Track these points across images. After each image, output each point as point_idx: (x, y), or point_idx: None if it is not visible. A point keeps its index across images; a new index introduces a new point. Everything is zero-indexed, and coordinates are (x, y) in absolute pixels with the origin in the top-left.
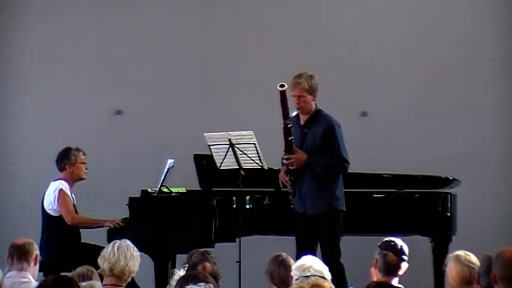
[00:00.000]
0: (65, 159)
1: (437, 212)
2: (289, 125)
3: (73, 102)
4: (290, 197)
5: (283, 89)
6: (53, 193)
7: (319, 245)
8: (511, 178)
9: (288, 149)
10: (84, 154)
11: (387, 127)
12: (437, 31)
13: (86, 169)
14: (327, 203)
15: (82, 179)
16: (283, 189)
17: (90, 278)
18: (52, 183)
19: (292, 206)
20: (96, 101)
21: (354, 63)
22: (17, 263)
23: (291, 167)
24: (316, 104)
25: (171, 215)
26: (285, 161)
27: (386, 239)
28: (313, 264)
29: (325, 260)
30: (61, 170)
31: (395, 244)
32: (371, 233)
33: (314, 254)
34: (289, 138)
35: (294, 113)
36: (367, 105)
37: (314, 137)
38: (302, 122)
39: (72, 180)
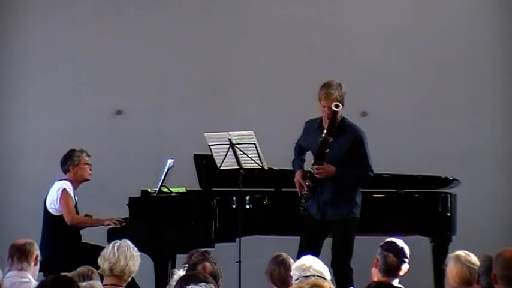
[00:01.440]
0: (69, 161)
1: (437, 212)
2: (331, 140)
3: (73, 102)
4: (303, 200)
5: (338, 109)
6: (56, 192)
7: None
8: (511, 178)
9: (319, 160)
10: (88, 155)
11: (387, 127)
12: (438, 31)
13: (91, 170)
14: (347, 209)
15: (86, 179)
16: (284, 190)
17: (91, 278)
18: (56, 182)
19: (301, 208)
20: (96, 101)
21: (354, 63)
22: (17, 262)
23: (318, 176)
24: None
25: (171, 215)
26: (313, 170)
27: (388, 239)
28: (313, 264)
29: (336, 263)
30: (65, 171)
31: (397, 245)
32: (371, 233)
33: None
34: (326, 151)
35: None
36: (367, 105)
37: (340, 146)
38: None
39: (76, 181)
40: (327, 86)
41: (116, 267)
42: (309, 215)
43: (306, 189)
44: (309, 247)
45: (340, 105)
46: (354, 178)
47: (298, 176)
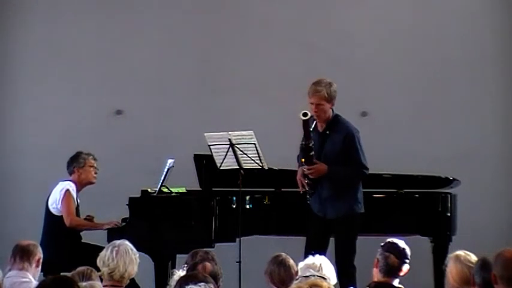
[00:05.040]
0: (74, 162)
1: (437, 212)
2: (311, 144)
3: (73, 102)
4: (308, 196)
5: (306, 118)
6: (59, 192)
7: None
8: (511, 178)
9: (309, 161)
10: (94, 159)
11: (387, 127)
12: (438, 31)
13: (96, 173)
14: (347, 206)
15: (91, 182)
16: (284, 190)
17: (90, 277)
18: (61, 182)
19: (308, 202)
20: (96, 101)
21: (354, 63)
22: (18, 262)
23: (311, 176)
24: (333, 110)
25: (171, 215)
26: (305, 171)
27: (389, 240)
28: (322, 263)
29: (339, 261)
30: (70, 173)
31: (398, 246)
32: (371, 233)
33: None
34: (311, 154)
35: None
36: (367, 105)
37: (333, 144)
38: (320, 128)
39: (80, 183)
40: (316, 83)
41: (115, 273)
42: (313, 213)
43: (306, 187)
44: (314, 245)
45: (309, 114)
46: (347, 176)
47: (299, 174)
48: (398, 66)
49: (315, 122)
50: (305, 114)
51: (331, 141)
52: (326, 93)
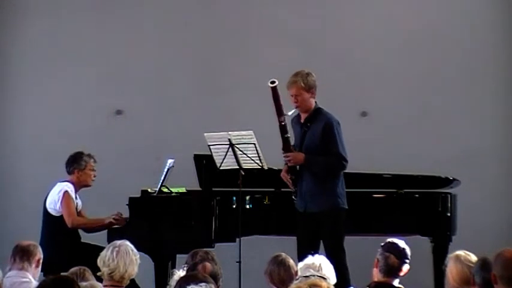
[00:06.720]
0: (75, 163)
1: (437, 212)
2: (283, 123)
3: (73, 102)
4: (293, 196)
5: (274, 85)
6: (57, 194)
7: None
8: (511, 178)
9: (285, 146)
10: (94, 161)
11: (387, 127)
12: (438, 31)
13: (94, 176)
14: (328, 201)
15: (88, 185)
16: (284, 190)
17: (84, 277)
18: (58, 183)
19: (294, 202)
20: (96, 101)
21: (354, 63)
22: (18, 262)
23: (288, 164)
24: (316, 102)
25: (171, 215)
26: (284, 159)
27: (389, 240)
28: (322, 263)
29: (330, 260)
30: (69, 172)
31: (398, 246)
32: (371, 233)
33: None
34: (286, 136)
35: (291, 112)
36: (367, 105)
37: (313, 135)
38: (302, 120)
39: (78, 184)
40: (293, 75)
41: (115, 274)
42: (297, 212)
43: (291, 183)
44: (304, 245)
45: (276, 81)
46: (325, 166)
47: (283, 171)
48: (398, 66)
49: (298, 114)
50: (273, 82)
51: (311, 132)
52: (303, 82)
